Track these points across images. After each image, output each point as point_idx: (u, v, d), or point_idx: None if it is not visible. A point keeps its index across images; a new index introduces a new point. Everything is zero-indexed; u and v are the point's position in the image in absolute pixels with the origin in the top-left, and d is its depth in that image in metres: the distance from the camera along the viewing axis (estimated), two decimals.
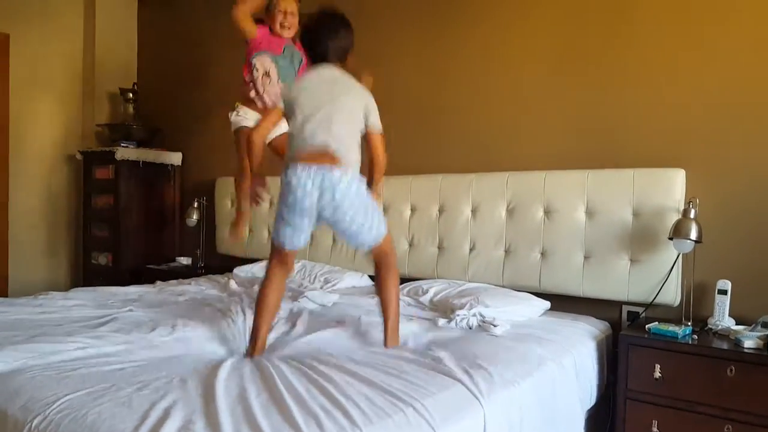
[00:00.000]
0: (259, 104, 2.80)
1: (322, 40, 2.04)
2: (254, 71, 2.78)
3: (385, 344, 1.98)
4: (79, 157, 4.50)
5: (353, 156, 1.93)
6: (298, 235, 1.93)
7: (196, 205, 4.19)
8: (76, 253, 4.73)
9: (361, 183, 1.94)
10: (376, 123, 2.03)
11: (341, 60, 2.08)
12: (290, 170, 1.88)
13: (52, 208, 4.65)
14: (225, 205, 4.07)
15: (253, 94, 2.80)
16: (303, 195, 1.85)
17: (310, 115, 1.92)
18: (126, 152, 4.22)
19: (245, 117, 2.82)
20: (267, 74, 2.77)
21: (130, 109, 4.56)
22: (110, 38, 4.76)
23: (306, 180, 1.85)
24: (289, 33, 2.81)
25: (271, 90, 2.77)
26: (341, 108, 1.95)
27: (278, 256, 1.99)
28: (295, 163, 1.88)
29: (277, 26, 2.77)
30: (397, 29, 3.39)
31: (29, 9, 4.44)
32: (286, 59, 2.81)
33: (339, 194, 1.85)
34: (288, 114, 2.00)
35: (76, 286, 4.33)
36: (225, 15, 4.26)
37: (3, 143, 4.30)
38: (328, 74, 2.03)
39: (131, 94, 4.57)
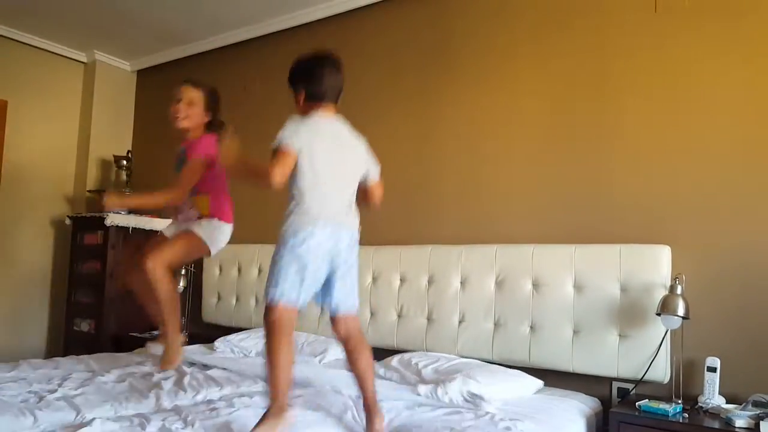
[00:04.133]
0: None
1: (323, 79, 2.04)
2: None
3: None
4: (68, 222, 4.49)
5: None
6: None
7: (183, 272, 4.16)
8: (58, 320, 4.64)
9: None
10: (377, 172, 2.17)
11: (335, 102, 2.09)
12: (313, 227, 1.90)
13: (37, 272, 4.60)
14: (213, 273, 4.05)
15: None
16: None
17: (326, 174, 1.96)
18: (116, 218, 4.21)
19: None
20: None
21: (123, 175, 4.61)
22: (107, 107, 4.87)
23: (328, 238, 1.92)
24: (179, 123, 2.63)
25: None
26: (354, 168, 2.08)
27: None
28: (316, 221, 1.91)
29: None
30: (386, 102, 3.50)
31: (29, 77, 4.55)
32: (179, 166, 2.59)
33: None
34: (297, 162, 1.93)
35: (56, 354, 4.24)
36: (220, 86, 4.41)
37: None
38: (337, 126, 2.06)
39: (125, 161, 4.62)
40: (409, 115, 3.43)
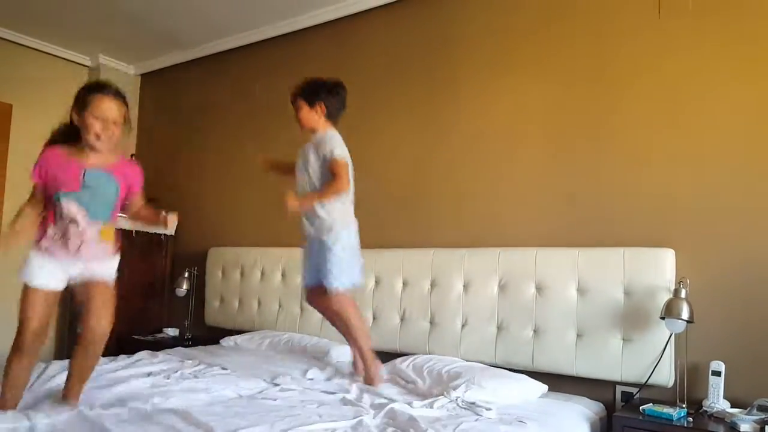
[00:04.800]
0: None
1: (344, 100, 2.63)
2: (60, 218, 2.07)
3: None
4: None
5: None
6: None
7: (186, 275, 4.17)
8: (62, 323, 4.64)
9: None
10: None
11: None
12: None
13: None
14: (216, 275, 4.05)
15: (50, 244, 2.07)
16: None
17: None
18: (119, 221, 4.21)
19: (37, 270, 2.04)
20: (74, 221, 2.06)
21: None
22: None
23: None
24: (103, 146, 2.06)
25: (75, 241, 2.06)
26: None
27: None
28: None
29: (91, 137, 2.03)
30: (389, 105, 3.50)
31: (34, 81, 4.56)
32: (89, 191, 2.08)
33: None
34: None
35: (60, 357, 4.24)
36: (220, 93, 4.42)
37: None
38: None
39: None
40: (412, 118, 3.43)
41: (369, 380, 2.52)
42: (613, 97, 2.77)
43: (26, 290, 2.06)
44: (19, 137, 4.44)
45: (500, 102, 3.11)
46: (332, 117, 2.60)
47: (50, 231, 2.09)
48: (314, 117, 2.59)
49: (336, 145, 2.49)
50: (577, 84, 2.88)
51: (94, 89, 2.07)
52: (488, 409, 2.14)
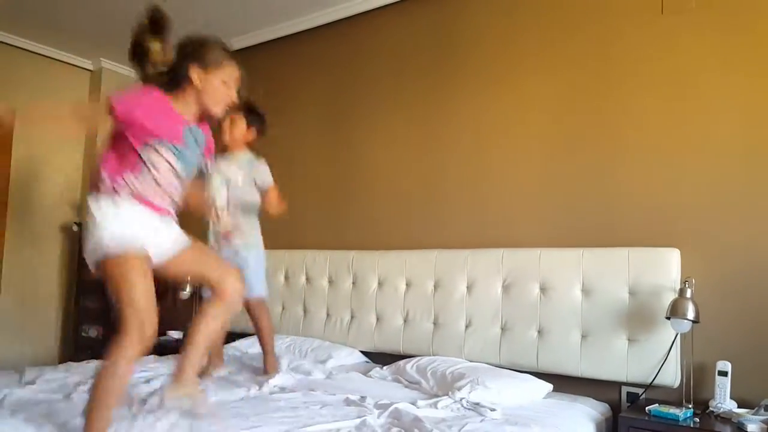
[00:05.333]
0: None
1: None
2: (153, 170, 1.78)
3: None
4: (75, 228, 4.51)
5: None
6: None
7: (189, 278, 4.15)
8: (67, 326, 4.65)
9: None
10: None
11: None
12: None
13: (45, 278, 4.61)
14: None
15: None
16: None
17: None
18: None
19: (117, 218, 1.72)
20: (174, 177, 1.86)
21: None
22: None
23: None
24: (219, 111, 1.93)
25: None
26: None
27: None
28: None
29: (211, 103, 1.89)
30: (393, 108, 3.50)
31: (35, 85, 4.57)
32: (187, 148, 1.87)
33: None
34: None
35: (63, 360, 4.25)
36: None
37: (1, 213, 4.32)
38: None
39: None
40: (415, 118, 3.42)
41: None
42: (617, 96, 2.76)
43: (114, 261, 1.64)
44: (21, 142, 4.45)
45: (503, 101, 3.10)
46: (253, 143, 2.80)
47: (133, 181, 1.75)
48: (245, 137, 2.74)
49: (268, 171, 2.74)
50: (581, 82, 2.87)
51: (225, 52, 1.91)
52: (492, 410, 2.13)
